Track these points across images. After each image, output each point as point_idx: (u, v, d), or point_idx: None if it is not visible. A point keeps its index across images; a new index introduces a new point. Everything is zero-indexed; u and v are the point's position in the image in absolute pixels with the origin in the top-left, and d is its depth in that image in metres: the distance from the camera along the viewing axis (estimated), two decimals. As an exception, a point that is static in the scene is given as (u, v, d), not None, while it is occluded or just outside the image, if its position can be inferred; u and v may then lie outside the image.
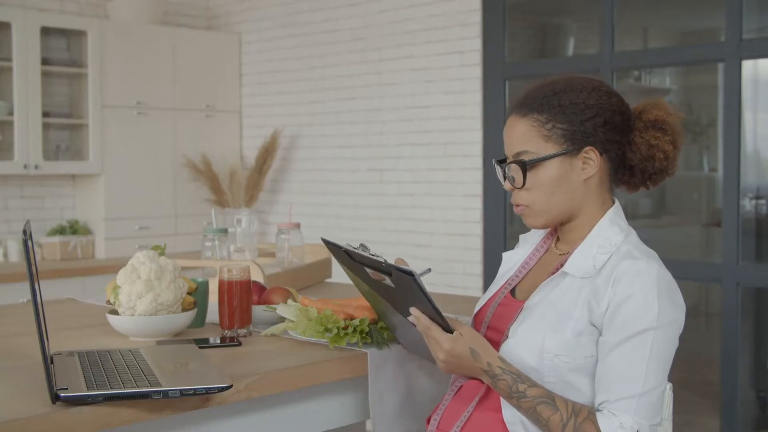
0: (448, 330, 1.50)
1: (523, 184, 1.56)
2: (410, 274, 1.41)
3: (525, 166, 1.55)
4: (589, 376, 1.49)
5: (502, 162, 1.62)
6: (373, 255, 1.50)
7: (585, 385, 1.49)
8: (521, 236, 1.79)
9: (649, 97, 1.65)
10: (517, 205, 1.61)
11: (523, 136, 1.57)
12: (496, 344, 1.59)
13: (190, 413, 1.50)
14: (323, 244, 1.69)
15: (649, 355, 1.43)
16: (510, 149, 1.60)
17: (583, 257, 1.53)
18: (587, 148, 1.55)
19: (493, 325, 1.64)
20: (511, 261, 1.74)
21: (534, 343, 1.50)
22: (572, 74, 1.62)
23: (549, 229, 1.70)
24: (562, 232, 1.64)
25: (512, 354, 1.52)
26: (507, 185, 1.60)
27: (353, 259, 1.57)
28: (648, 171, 1.61)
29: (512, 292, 1.66)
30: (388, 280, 1.50)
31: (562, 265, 1.57)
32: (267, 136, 5.12)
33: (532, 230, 1.75)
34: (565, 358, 1.48)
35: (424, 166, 4.37)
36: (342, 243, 1.60)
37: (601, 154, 1.56)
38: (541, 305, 1.53)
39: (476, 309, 1.71)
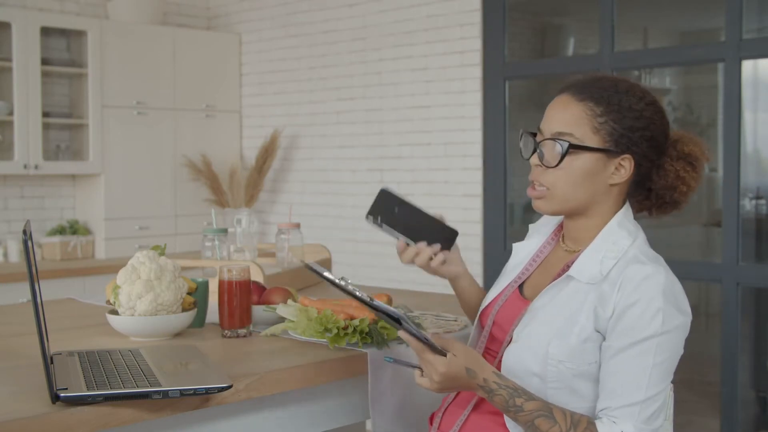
0: (440, 352, 1.47)
1: (557, 165, 1.52)
2: (398, 321, 1.42)
3: (567, 149, 1.51)
4: (592, 381, 1.48)
5: (535, 135, 1.57)
6: (357, 292, 1.45)
7: (588, 389, 1.48)
8: (531, 226, 1.76)
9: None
10: (536, 186, 1.56)
11: (574, 119, 1.52)
12: (500, 342, 1.59)
13: (190, 413, 1.50)
14: (306, 267, 1.55)
15: (652, 362, 1.42)
16: (551, 126, 1.54)
17: (590, 261, 1.51)
18: (626, 155, 1.52)
19: (498, 322, 1.62)
20: (521, 254, 1.71)
21: (538, 349, 1.48)
22: (634, 80, 1.60)
23: (559, 223, 1.68)
24: (568, 229, 1.61)
25: (516, 358, 1.51)
26: (534, 159, 1.56)
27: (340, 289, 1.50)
28: (664, 199, 1.61)
29: (520, 287, 1.65)
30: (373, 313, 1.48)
31: (569, 266, 1.55)
32: (267, 136, 5.12)
33: (542, 221, 1.73)
34: (569, 364, 1.46)
35: (424, 166, 4.37)
36: (324, 271, 1.50)
37: (634, 166, 1.54)
38: (545, 309, 1.52)
39: (485, 303, 1.69)
